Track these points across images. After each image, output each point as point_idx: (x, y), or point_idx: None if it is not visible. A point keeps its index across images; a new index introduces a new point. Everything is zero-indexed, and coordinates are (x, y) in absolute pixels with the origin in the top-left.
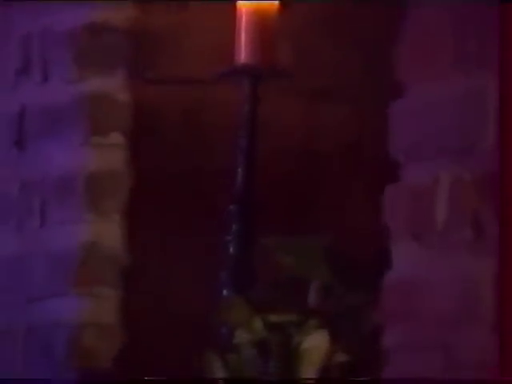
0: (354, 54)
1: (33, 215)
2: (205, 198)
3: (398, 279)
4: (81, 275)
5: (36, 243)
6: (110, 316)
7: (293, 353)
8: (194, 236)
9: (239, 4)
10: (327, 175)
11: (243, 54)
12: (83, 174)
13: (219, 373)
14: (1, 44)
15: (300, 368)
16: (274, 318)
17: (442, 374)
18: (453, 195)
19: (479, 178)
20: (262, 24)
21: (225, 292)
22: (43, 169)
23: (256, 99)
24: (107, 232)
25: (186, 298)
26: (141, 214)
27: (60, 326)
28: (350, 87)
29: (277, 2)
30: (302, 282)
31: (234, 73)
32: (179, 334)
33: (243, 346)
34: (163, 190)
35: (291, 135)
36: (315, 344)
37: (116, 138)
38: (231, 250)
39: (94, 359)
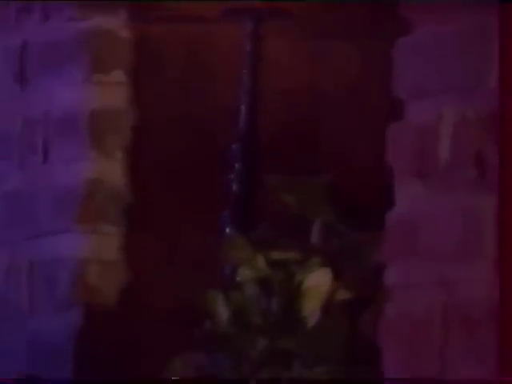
0: None
1: (35, 152)
2: (207, 136)
3: (400, 217)
4: (83, 212)
5: (39, 180)
6: (113, 253)
7: (295, 290)
8: (196, 174)
9: None
10: (330, 114)
11: None
12: (85, 111)
13: (222, 311)
14: None
15: (302, 306)
16: (276, 255)
17: (444, 312)
18: (456, 133)
19: (483, 116)
20: None
21: (227, 230)
22: (45, 106)
23: (258, 39)
24: (110, 169)
25: (188, 236)
26: (143, 151)
27: (63, 262)
28: (353, 26)
29: None
30: (304, 221)
31: (235, 12)
32: (181, 271)
33: (246, 284)
34: (165, 128)
35: (294, 75)
36: (317, 282)
37: (118, 75)
38: (234, 188)
39: (97, 295)
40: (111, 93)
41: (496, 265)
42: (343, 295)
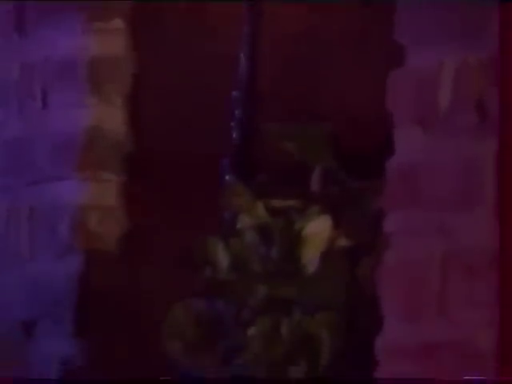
0: None
1: (34, 98)
2: (207, 83)
3: (400, 165)
4: (83, 159)
5: (38, 127)
6: (113, 199)
7: (295, 238)
8: (196, 122)
9: None
10: (330, 62)
11: None
12: (85, 58)
13: (222, 258)
14: None
15: (302, 253)
16: (276, 203)
17: (443, 259)
18: (457, 80)
19: (484, 62)
20: None
21: (227, 178)
22: (44, 53)
23: None
24: (109, 117)
25: (188, 183)
26: (143, 99)
27: (63, 208)
28: None
29: None
30: (304, 168)
31: None
32: (181, 218)
33: (246, 232)
34: (165, 76)
35: (294, 22)
36: (317, 229)
37: (118, 23)
38: (234, 136)
39: (97, 241)
40: (111, 40)
41: (496, 212)
42: (343, 242)
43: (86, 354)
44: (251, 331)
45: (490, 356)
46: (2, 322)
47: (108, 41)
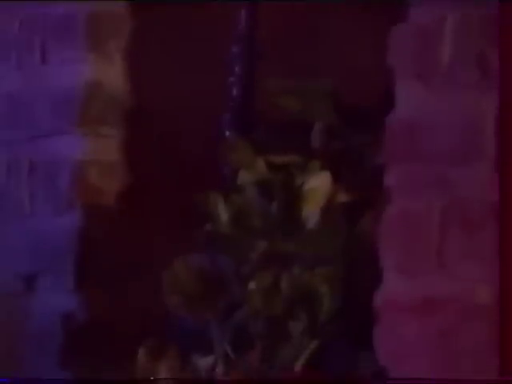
0: None
1: (33, 53)
2: (208, 39)
3: (400, 119)
4: (83, 115)
5: (37, 81)
6: (113, 154)
7: (295, 193)
8: (196, 77)
9: None
10: (332, 17)
11: None
12: (83, 13)
13: (222, 213)
14: None
15: (302, 208)
16: (276, 159)
17: (443, 212)
18: (458, 35)
19: (485, 18)
20: None
21: (228, 134)
22: (44, 8)
23: None
24: (109, 72)
25: (188, 139)
26: (142, 54)
27: (63, 163)
28: None
29: None
30: (305, 124)
31: None
32: (182, 173)
33: (246, 187)
34: (165, 31)
35: None
36: (317, 184)
37: None
38: (234, 92)
39: (97, 196)
40: None
41: (495, 165)
42: (343, 198)
43: (87, 307)
44: (251, 286)
45: (489, 308)
46: (3, 274)
47: None
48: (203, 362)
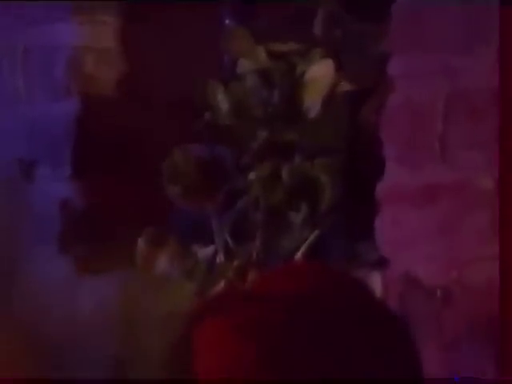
0: None
1: None
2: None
3: (404, 7)
4: (79, 1)
5: None
6: (109, 41)
7: (296, 82)
8: None
9: None
10: None
11: None
12: None
13: (222, 102)
14: None
15: (304, 97)
16: (277, 47)
17: (446, 101)
18: None
19: None
20: None
21: (227, 21)
22: None
23: None
24: None
25: (187, 26)
26: None
27: (58, 49)
28: None
29: None
30: (306, 11)
31: None
32: (181, 62)
33: (246, 76)
34: None
35: None
36: (319, 73)
37: None
38: None
39: (94, 84)
40: None
41: (498, 54)
42: (345, 87)
43: (85, 195)
44: (251, 176)
45: (490, 196)
46: (2, 160)
47: None
48: (204, 252)
